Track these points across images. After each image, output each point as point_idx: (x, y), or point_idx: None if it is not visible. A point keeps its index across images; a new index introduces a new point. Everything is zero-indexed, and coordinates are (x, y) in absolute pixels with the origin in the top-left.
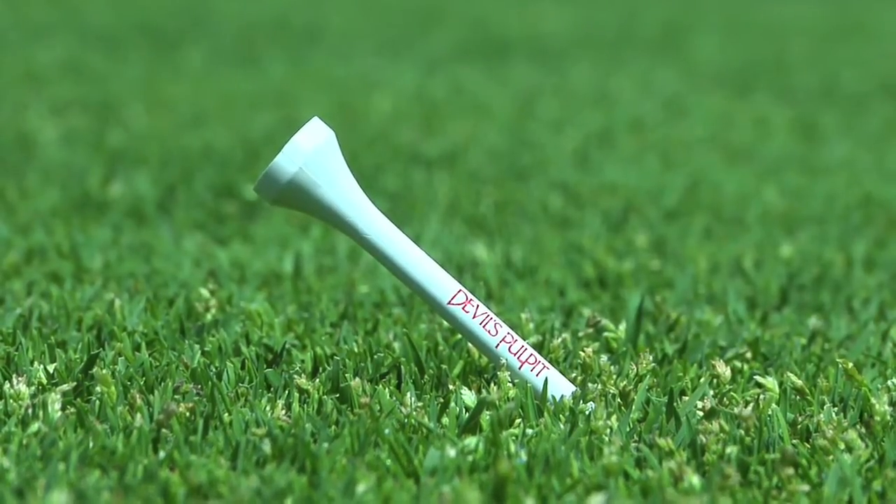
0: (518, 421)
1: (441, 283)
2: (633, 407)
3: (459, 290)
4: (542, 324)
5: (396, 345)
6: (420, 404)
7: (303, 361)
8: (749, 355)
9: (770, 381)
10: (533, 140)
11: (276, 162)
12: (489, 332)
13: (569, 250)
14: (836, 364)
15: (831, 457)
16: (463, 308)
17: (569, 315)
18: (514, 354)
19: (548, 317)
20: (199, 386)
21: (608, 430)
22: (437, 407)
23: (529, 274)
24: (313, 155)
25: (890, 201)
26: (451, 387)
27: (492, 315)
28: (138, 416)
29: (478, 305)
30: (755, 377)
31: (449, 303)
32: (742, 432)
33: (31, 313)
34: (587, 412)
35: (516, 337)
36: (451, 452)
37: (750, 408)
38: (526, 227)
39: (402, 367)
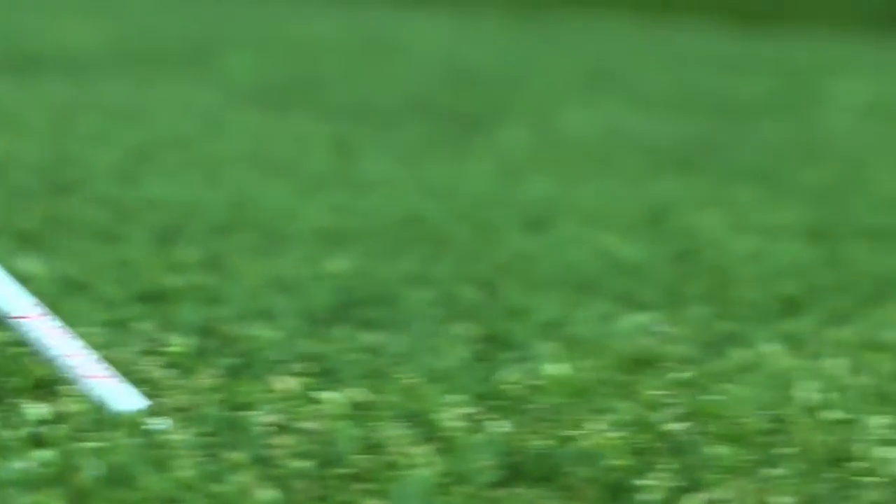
0: (89, 434)
1: (4, 296)
2: (200, 421)
3: (25, 303)
4: (102, 338)
5: None
6: None
7: None
8: (308, 370)
9: (332, 396)
10: (73, 155)
11: None
12: (55, 344)
13: (119, 265)
14: (397, 380)
15: (400, 472)
16: (28, 320)
17: (125, 330)
18: (82, 366)
19: (106, 331)
20: None
21: (178, 444)
22: (2, 420)
23: (81, 289)
24: None
25: (431, 217)
26: (17, 400)
27: (57, 327)
28: None
29: (43, 318)
30: (316, 392)
31: (13, 316)
32: (310, 446)
33: None
34: (156, 426)
35: (83, 349)
36: (21, 465)
37: (315, 422)
38: (74, 242)
39: None
